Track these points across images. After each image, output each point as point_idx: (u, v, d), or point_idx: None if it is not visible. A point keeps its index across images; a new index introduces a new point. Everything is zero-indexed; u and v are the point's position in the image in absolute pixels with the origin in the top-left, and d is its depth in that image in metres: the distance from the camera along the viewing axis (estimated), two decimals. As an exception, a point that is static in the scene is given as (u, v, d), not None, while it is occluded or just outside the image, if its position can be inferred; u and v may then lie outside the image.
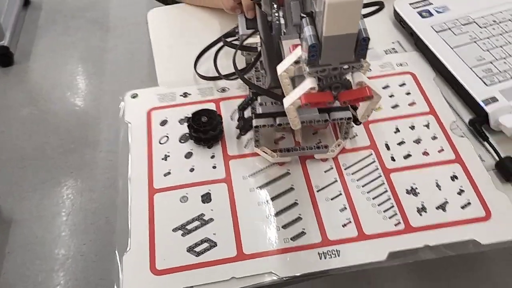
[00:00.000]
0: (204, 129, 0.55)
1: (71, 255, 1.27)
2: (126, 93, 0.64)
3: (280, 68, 0.39)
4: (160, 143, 0.58)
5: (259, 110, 0.54)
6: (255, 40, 0.59)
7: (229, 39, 0.64)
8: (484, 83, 0.59)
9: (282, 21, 0.52)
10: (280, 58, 0.49)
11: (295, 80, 0.44)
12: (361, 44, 0.34)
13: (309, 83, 0.35)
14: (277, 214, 0.52)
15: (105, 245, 1.30)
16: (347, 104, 0.36)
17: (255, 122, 0.52)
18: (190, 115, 0.57)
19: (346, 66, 0.35)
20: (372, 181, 0.54)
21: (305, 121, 0.52)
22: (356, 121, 0.55)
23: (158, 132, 0.59)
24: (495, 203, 0.51)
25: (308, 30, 0.34)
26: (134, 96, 0.64)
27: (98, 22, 1.98)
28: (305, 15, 0.34)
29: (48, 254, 1.27)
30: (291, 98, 0.37)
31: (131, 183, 0.55)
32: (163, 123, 0.60)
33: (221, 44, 0.65)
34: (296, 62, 0.37)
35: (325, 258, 0.48)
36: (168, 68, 0.67)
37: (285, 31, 0.51)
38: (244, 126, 0.55)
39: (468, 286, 1.17)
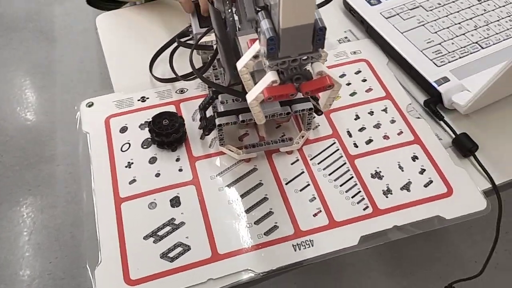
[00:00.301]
0: (166, 132, 0.55)
1: (37, 275, 1.23)
2: (81, 102, 0.62)
3: (240, 64, 0.38)
4: (122, 151, 0.57)
5: (221, 108, 0.53)
6: (210, 38, 0.58)
7: (183, 39, 0.63)
8: (435, 64, 0.61)
9: (236, 17, 0.52)
10: (237, 55, 0.48)
11: (255, 75, 0.44)
12: (318, 34, 0.34)
13: (270, 77, 0.35)
14: (248, 210, 0.52)
15: (73, 261, 1.26)
16: (309, 95, 0.36)
17: (218, 121, 0.52)
18: (150, 120, 0.56)
19: (305, 57, 0.35)
20: (338, 168, 0.55)
21: (268, 115, 0.52)
22: (318, 111, 0.55)
23: (119, 140, 0.58)
24: (456, 179, 0.54)
25: (265, 24, 0.34)
26: (90, 104, 0.62)
27: (42, 32, 1.91)
28: (260, 9, 0.34)
29: (13, 276, 1.22)
30: (254, 93, 0.37)
31: (95, 194, 0.53)
32: (123, 130, 0.59)
33: (175, 44, 0.64)
34: (255, 57, 0.37)
35: (299, 249, 0.49)
36: (122, 74, 0.66)
37: (239, 27, 0.51)
38: (207, 126, 0.54)
39: (428, 257, 1.22)
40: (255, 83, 0.38)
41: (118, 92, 0.63)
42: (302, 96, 0.38)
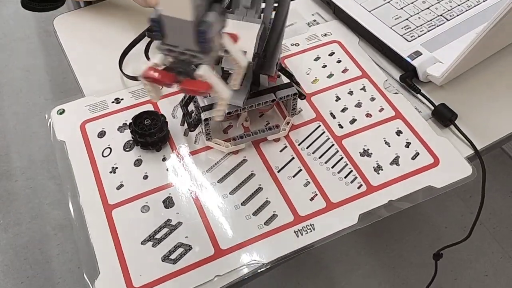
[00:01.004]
0: (150, 132, 0.53)
1: (9, 298, 1.17)
2: (51, 110, 0.59)
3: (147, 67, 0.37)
4: (104, 156, 0.54)
5: (205, 102, 0.52)
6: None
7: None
8: (405, 39, 0.63)
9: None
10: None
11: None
12: (200, 35, 0.33)
13: (154, 58, 0.35)
14: (245, 202, 0.51)
15: (46, 278, 1.20)
16: (183, 92, 0.36)
17: (203, 115, 0.51)
18: (130, 121, 0.54)
19: (193, 54, 0.34)
20: (327, 151, 0.55)
21: (253, 104, 0.52)
22: (301, 95, 0.55)
23: (98, 145, 0.55)
24: (440, 148, 0.55)
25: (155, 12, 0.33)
26: (61, 111, 0.59)
27: (-20, 43, 1.80)
28: None
29: (-17, 303, 1.16)
30: (141, 68, 0.36)
31: (83, 205, 0.50)
32: (101, 134, 0.56)
33: (146, 40, 0.61)
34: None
35: (301, 234, 0.49)
36: (90, 76, 0.63)
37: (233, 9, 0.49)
38: (192, 121, 0.53)
39: (404, 230, 1.26)
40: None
41: (89, 96, 0.60)
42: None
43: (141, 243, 0.48)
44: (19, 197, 1.38)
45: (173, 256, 0.47)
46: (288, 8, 0.48)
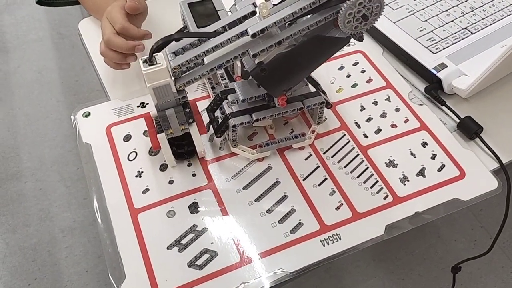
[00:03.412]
0: (187, 141, 0.52)
1: (17, 299, 1.16)
2: (76, 112, 0.59)
3: None
4: (129, 160, 0.54)
5: (232, 108, 0.52)
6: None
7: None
8: (431, 51, 0.63)
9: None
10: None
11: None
12: None
13: None
14: (270, 210, 0.51)
15: (54, 280, 1.20)
16: None
17: (232, 122, 0.51)
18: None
19: None
20: (352, 160, 0.55)
21: (280, 112, 0.52)
22: (328, 104, 0.55)
23: (124, 149, 0.55)
24: (466, 161, 0.55)
25: None
26: (87, 114, 0.59)
27: (-7, 44, 1.81)
28: None
29: (-9, 303, 1.15)
30: None
31: (109, 208, 0.50)
32: (127, 138, 0.56)
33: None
34: None
35: (327, 244, 0.48)
36: (116, 80, 0.63)
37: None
38: (218, 128, 0.53)
39: (420, 246, 1.25)
40: None
41: (114, 99, 0.60)
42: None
43: (167, 248, 0.48)
44: (28, 198, 1.38)
45: (199, 262, 0.47)
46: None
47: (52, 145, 1.49)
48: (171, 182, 0.53)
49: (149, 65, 0.44)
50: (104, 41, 0.57)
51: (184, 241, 0.48)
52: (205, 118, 0.55)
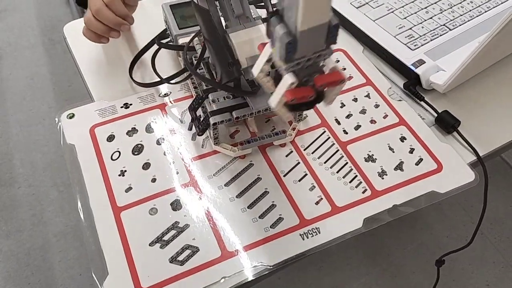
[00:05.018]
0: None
1: (11, 304, 1.17)
2: (61, 114, 0.60)
3: (255, 70, 0.38)
4: (113, 159, 0.55)
5: (213, 107, 0.53)
6: (186, 39, 0.58)
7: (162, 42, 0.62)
8: (409, 48, 0.64)
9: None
10: (230, 52, 0.48)
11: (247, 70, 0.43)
12: (332, 30, 0.33)
13: (288, 79, 0.35)
14: (251, 206, 0.52)
15: (48, 285, 1.20)
16: (323, 88, 0.36)
17: (212, 120, 0.52)
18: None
19: (318, 55, 0.35)
20: (332, 156, 0.56)
21: (261, 109, 0.53)
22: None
23: (108, 149, 0.56)
24: (443, 155, 0.56)
25: (281, 29, 0.33)
26: (71, 116, 0.60)
27: (-16, 51, 1.82)
28: (272, 14, 0.34)
29: (-15, 309, 1.16)
30: (276, 98, 0.36)
31: (92, 207, 0.51)
32: (110, 138, 0.57)
33: (154, 48, 0.63)
34: (268, 60, 0.36)
35: (307, 237, 0.49)
36: (100, 81, 0.64)
37: (226, 23, 0.51)
38: (200, 126, 0.54)
39: (406, 238, 1.26)
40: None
41: (98, 101, 0.61)
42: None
43: (149, 245, 0.49)
44: (21, 203, 1.39)
45: (180, 258, 0.48)
46: None
47: (45, 151, 1.50)
48: (153, 180, 0.54)
49: None
50: (93, 10, 0.59)
51: (166, 238, 0.49)
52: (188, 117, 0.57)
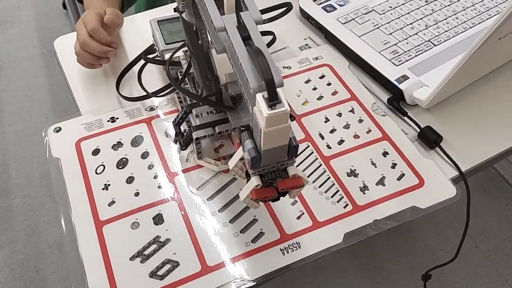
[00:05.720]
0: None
1: (3, 316, 1.16)
2: (48, 128, 0.60)
3: (231, 164, 0.43)
4: (97, 173, 0.56)
5: (197, 121, 0.54)
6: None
7: (149, 57, 0.63)
8: (393, 64, 0.65)
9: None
10: (210, 66, 0.49)
11: (229, 86, 0.46)
12: (292, 149, 0.39)
13: (254, 181, 0.40)
14: (233, 220, 0.52)
15: (41, 296, 1.20)
16: (284, 190, 0.41)
17: (195, 134, 0.52)
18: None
19: (281, 164, 0.40)
20: (315, 170, 0.56)
21: (241, 125, 0.53)
22: (291, 116, 0.57)
23: (92, 162, 0.57)
24: (425, 170, 0.56)
25: (248, 144, 0.39)
26: (58, 129, 0.60)
27: (-17, 62, 1.84)
28: (244, 129, 0.40)
29: (-23, 320, 1.15)
30: (244, 194, 0.42)
31: (75, 220, 0.52)
32: (95, 152, 0.58)
33: (141, 63, 0.63)
34: (241, 159, 0.42)
35: (287, 252, 0.50)
36: (88, 95, 0.65)
37: (211, 39, 0.51)
38: (184, 140, 0.54)
39: (397, 250, 1.26)
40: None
41: (85, 114, 0.62)
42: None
43: (130, 259, 0.49)
44: (16, 214, 1.39)
45: (160, 272, 0.48)
46: None
47: (41, 162, 1.50)
48: (137, 194, 0.54)
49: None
50: (80, 42, 0.62)
51: (146, 252, 0.49)
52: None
